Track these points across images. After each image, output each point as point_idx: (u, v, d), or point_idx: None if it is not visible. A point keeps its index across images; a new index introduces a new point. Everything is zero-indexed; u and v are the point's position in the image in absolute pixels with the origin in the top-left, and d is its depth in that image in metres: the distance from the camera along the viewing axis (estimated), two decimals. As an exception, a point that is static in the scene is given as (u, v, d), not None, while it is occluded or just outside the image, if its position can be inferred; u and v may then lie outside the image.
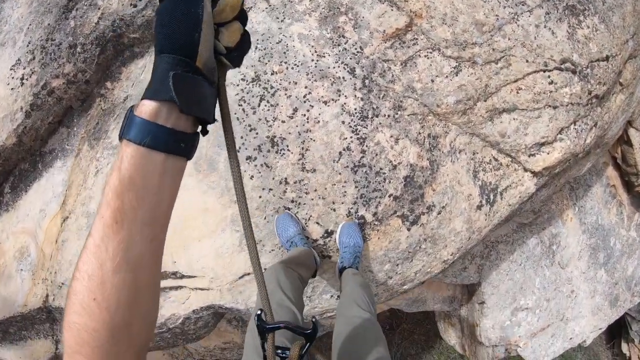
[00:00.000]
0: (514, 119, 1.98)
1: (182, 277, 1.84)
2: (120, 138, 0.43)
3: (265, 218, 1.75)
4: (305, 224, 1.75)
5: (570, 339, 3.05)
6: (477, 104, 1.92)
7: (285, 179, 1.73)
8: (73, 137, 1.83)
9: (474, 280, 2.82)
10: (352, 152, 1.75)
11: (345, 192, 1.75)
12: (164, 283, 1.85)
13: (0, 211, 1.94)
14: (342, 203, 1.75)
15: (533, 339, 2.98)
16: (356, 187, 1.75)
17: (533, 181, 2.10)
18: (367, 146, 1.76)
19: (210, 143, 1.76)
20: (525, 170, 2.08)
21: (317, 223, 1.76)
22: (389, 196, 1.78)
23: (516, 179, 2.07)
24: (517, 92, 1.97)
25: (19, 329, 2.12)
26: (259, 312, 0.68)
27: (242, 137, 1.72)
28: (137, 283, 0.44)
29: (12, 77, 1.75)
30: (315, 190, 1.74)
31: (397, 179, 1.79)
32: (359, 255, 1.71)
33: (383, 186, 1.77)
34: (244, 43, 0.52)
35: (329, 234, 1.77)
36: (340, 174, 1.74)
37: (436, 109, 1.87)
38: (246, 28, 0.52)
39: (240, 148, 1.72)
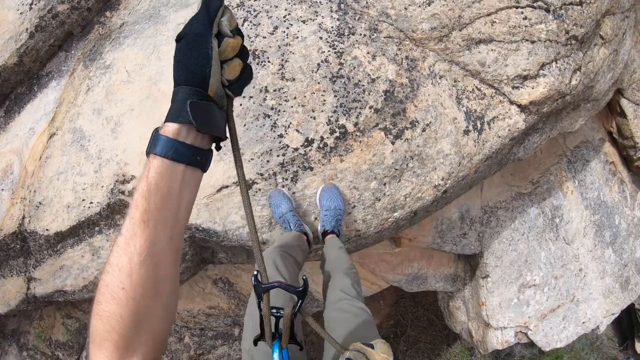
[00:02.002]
0: (492, 49, 2.04)
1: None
2: (148, 154, 0.53)
3: (244, 125, 1.76)
4: (285, 131, 1.75)
5: (583, 323, 2.76)
6: (452, 32, 2.00)
7: (266, 87, 1.77)
8: (70, 59, 1.94)
9: (476, 250, 2.66)
10: (330, 64, 1.80)
11: (325, 100, 1.77)
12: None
13: (-9, 136, 2.00)
14: (322, 111, 1.77)
15: (544, 321, 2.70)
16: (335, 96, 1.78)
17: (521, 116, 2.10)
18: (344, 59, 1.81)
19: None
20: (511, 102, 2.08)
21: (297, 131, 1.76)
22: (370, 108, 1.79)
23: (503, 111, 2.07)
24: (492, 25, 2.06)
25: (-8, 266, 2.05)
26: (255, 272, 0.73)
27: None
28: (159, 275, 0.52)
29: (22, 4, 1.92)
30: (295, 98, 1.77)
31: (376, 92, 1.81)
32: (341, 218, 1.75)
33: (363, 97, 1.79)
34: (245, 75, 0.61)
35: (309, 142, 1.76)
36: (319, 83, 1.78)
37: (412, 34, 1.95)
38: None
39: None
